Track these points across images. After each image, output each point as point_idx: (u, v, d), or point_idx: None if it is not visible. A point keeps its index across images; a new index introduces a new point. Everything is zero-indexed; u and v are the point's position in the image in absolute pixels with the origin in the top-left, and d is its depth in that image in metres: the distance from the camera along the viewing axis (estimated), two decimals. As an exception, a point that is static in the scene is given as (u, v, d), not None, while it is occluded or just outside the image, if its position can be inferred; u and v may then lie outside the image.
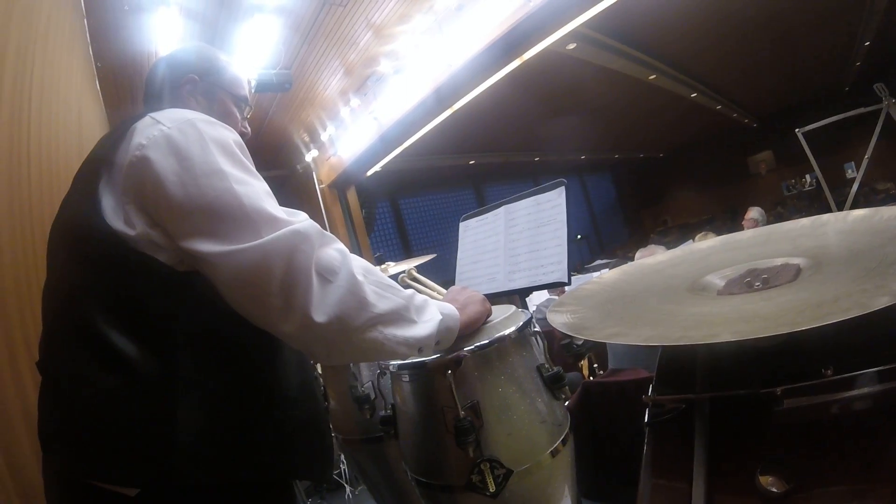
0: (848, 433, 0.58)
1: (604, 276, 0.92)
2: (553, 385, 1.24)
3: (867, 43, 11.25)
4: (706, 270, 0.82)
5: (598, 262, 6.02)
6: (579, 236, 15.13)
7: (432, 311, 1.07)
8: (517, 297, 2.09)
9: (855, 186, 2.31)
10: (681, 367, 0.70)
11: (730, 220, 13.60)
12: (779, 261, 0.76)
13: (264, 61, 5.38)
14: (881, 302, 0.46)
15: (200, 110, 1.01)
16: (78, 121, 2.60)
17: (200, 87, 1.17)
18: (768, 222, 5.54)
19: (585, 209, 17.63)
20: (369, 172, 8.92)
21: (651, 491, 0.63)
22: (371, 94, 7.01)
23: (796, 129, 2.48)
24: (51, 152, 1.94)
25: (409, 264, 2.34)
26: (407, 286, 1.84)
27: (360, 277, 0.91)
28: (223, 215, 0.84)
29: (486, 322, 1.27)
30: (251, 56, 5.24)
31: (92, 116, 3.20)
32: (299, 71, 6.16)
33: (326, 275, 0.87)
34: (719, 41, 8.87)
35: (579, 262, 9.47)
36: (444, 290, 1.64)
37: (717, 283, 0.76)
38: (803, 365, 0.59)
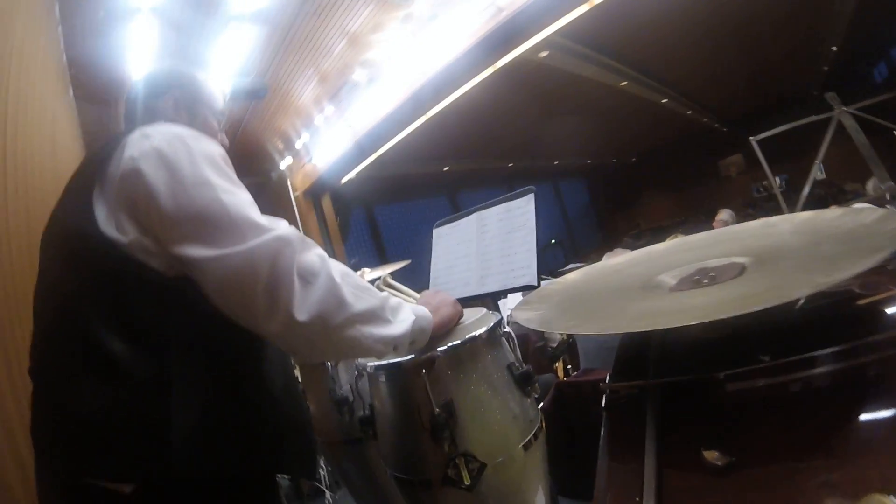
0: (782, 411, 0.64)
1: (567, 277, 0.97)
2: (523, 383, 1.28)
3: (834, 48, 11.54)
4: (661, 270, 0.88)
5: (572, 265, 6.10)
6: (553, 241, 15.24)
7: (406, 312, 1.12)
8: (489, 300, 2.15)
9: (806, 190, 2.40)
10: (636, 357, 0.75)
11: (702, 222, 13.79)
12: (725, 260, 0.82)
13: (240, 69, 5.39)
14: (800, 292, 0.52)
15: (183, 124, 1.06)
16: (52, 128, 2.60)
17: (182, 103, 1.23)
18: (738, 223, 5.66)
19: (559, 214, 17.74)
20: (344, 180, 8.90)
21: (607, 470, 0.68)
22: (345, 102, 7.03)
23: (750, 137, 2.56)
24: (26, 160, 1.95)
25: (384, 271, 2.37)
26: (382, 290, 1.88)
27: (338, 279, 0.96)
28: (211, 223, 0.89)
29: (458, 323, 1.32)
30: (227, 64, 5.24)
31: (66, 123, 3.19)
32: (274, 79, 6.16)
33: (307, 277, 0.92)
34: (689, 48, 9.04)
35: (553, 266, 9.55)
36: (417, 295, 1.69)
37: (668, 282, 0.82)
38: (745, 352, 0.65)
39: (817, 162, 2.44)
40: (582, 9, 5.47)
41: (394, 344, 1.07)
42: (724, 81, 11.83)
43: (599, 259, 4.32)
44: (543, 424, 1.31)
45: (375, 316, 1.03)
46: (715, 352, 0.59)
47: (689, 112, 13.83)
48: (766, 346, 0.64)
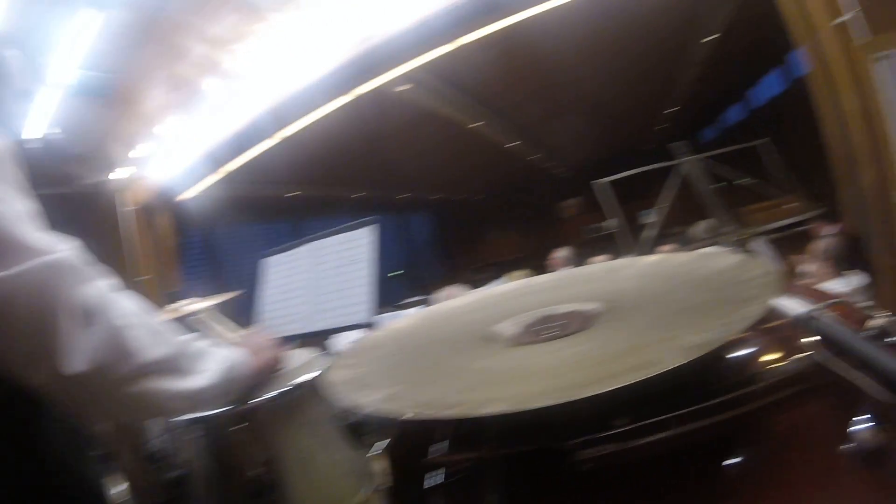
0: (640, 478, 0.56)
1: (396, 323, 0.85)
2: (354, 434, 1.17)
3: (676, 108, 13.04)
4: (502, 316, 0.77)
5: (413, 299, 6.13)
6: (398, 273, 15.46)
7: (213, 361, 0.95)
8: (322, 339, 1.99)
9: (649, 233, 2.54)
10: (474, 423, 0.64)
11: (542, 259, 14.57)
12: (572, 306, 0.74)
13: (84, 61, 4.77)
14: (669, 361, 0.43)
15: None
16: None
17: None
18: (576, 261, 6.03)
19: (404, 246, 18.04)
20: (184, 197, 8.26)
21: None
22: (196, 112, 6.53)
23: (590, 181, 2.71)
24: None
25: (208, 303, 2.10)
26: (198, 329, 1.66)
27: (123, 321, 0.80)
28: None
29: (281, 369, 1.19)
30: (70, 53, 4.62)
31: None
32: (122, 77, 5.57)
33: (84, 316, 0.75)
34: (542, 97, 9.64)
35: (398, 298, 9.56)
36: (239, 334, 1.52)
37: (510, 332, 0.72)
38: (600, 416, 0.56)
39: (660, 206, 2.60)
40: (446, 48, 5.60)
41: (196, 400, 0.91)
42: (569, 131, 12.77)
43: (442, 292, 4.33)
44: (379, 476, 1.21)
45: (172, 366, 0.86)
46: (564, 417, 0.48)
47: (535, 157, 14.73)
48: (623, 407, 0.55)
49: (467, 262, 18.98)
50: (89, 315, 0.76)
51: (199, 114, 6.47)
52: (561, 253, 6.19)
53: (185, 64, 5.70)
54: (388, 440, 0.89)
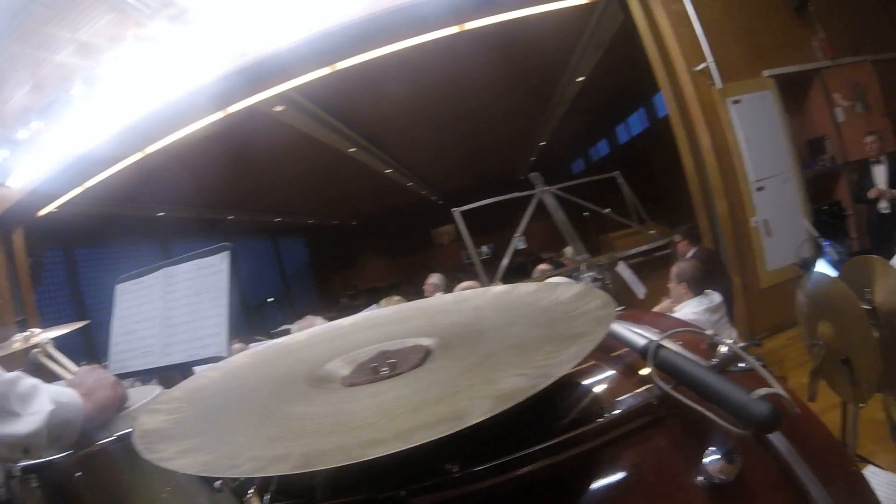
0: None
1: (233, 361, 0.78)
2: (209, 479, 1.09)
3: (542, 143, 13.77)
4: (340, 351, 0.72)
5: (285, 326, 5.91)
6: (270, 299, 14.96)
7: (42, 401, 0.87)
8: (178, 373, 1.83)
9: (505, 261, 2.61)
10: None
11: (415, 285, 14.74)
12: (410, 341, 0.70)
13: None
14: (478, 412, 0.40)
15: None
16: None
17: None
18: (448, 287, 6.10)
19: (277, 271, 17.51)
20: (42, 212, 7.40)
21: None
22: (58, 118, 5.89)
23: (452, 209, 2.76)
24: None
25: (53, 333, 1.85)
26: (37, 364, 1.47)
27: None
28: None
29: (124, 408, 1.10)
30: None
31: None
32: None
33: None
34: (417, 126, 9.80)
35: (271, 326, 9.24)
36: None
37: (341, 371, 0.67)
38: (430, 460, 0.52)
39: (517, 234, 2.69)
40: (323, 71, 5.58)
41: (23, 445, 0.84)
42: (443, 160, 13.12)
43: (299, 321, 4.20)
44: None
45: None
46: (394, 462, 0.44)
47: (410, 184, 14.96)
48: (457, 451, 0.52)
49: (342, 288, 18.76)
50: None
51: (64, 121, 5.87)
52: (433, 279, 6.23)
53: (52, 64, 5.19)
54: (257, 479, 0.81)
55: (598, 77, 8.98)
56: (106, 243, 10.70)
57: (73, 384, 1.05)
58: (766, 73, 5.32)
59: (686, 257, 4.70)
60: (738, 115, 5.17)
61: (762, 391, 0.49)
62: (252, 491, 1.12)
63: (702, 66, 5.03)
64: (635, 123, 13.58)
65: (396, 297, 4.87)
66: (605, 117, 13.76)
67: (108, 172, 6.90)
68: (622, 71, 8.24)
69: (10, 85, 5.43)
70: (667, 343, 0.62)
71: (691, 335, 0.72)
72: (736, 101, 5.16)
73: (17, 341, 1.99)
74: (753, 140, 5.20)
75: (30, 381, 0.89)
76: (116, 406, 1.08)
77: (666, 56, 5.22)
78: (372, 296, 13.51)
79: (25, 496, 1.03)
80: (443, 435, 0.38)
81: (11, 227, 7.11)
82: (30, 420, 0.84)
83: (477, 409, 0.41)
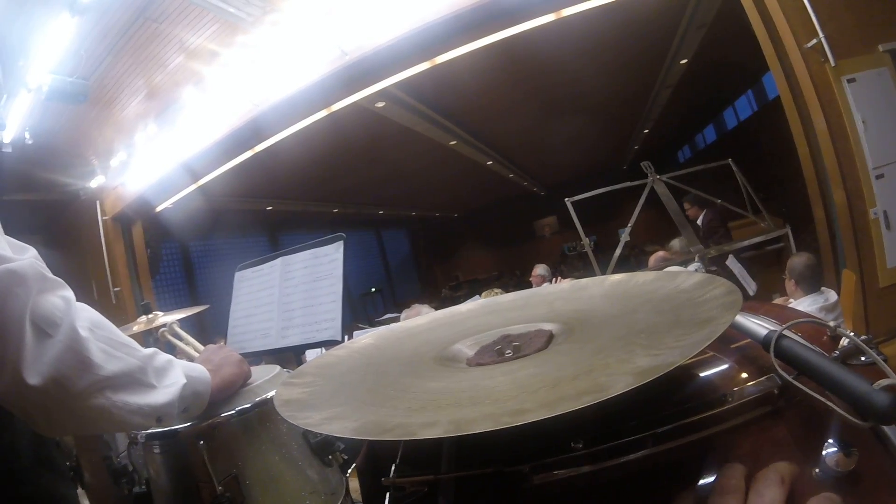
0: (596, 503, 0.54)
1: (357, 341, 0.82)
2: (322, 451, 1.17)
3: (646, 131, 13.28)
4: (462, 335, 0.75)
5: (389, 315, 6.10)
6: (374, 289, 15.41)
7: (176, 375, 0.94)
8: (292, 354, 1.95)
9: (617, 252, 2.55)
10: (426, 444, 0.62)
11: (517, 277, 14.75)
12: (532, 326, 0.72)
13: (60, 66, 4.69)
14: (619, 385, 0.41)
15: None
16: None
17: None
18: (552, 278, 6.10)
19: (381, 262, 18.01)
20: (159, 208, 8.10)
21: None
22: (172, 122, 6.43)
23: (565, 199, 2.71)
24: None
25: (177, 315, 2.07)
26: (166, 342, 1.62)
27: (84, 333, 0.79)
28: None
29: (245, 385, 1.17)
30: (46, 57, 4.55)
31: None
32: (98, 84, 5.45)
33: (44, 327, 0.75)
34: (516, 118, 9.75)
35: (373, 314, 9.54)
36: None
37: (466, 352, 0.70)
38: (555, 438, 0.54)
39: (629, 224, 2.63)
40: (423, 66, 5.64)
41: (157, 415, 0.89)
42: (544, 151, 12.94)
43: (408, 309, 4.29)
44: (349, 494, 1.19)
45: (133, 380, 0.86)
46: (520, 438, 0.46)
47: (511, 175, 14.87)
48: (580, 429, 0.53)
49: (444, 279, 19.02)
50: (51, 325, 0.75)
51: (177, 124, 6.40)
52: (539, 270, 6.26)
53: (164, 73, 5.65)
54: (358, 458, 0.86)
55: (702, 59, 8.53)
56: (217, 236, 11.47)
57: (201, 360, 1.13)
58: (882, 47, 4.75)
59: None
60: (854, 95, 4.68)
61: (884, 381, 0.48)
62: (353, 468, 1.20)
63: (813, 42, 4.58)
64: (743, 107, 12.79)
65: (497, 290, 4.90)
66: (711, 101, 13.08)
67: (221, 170, 7.41)
68: (727, 51, 7.75)
69: (126, 93, 5.96)
70: (788, 333, 0.60)
71: (812, 326, 0.70)
72: (851, 80, 4.66)
73: (141, 322, 2.23)
74: (871, 122, 4.66)
75: (165, 356, 0.95)
76: (241, 382, 1.15)
77: (773, 32, 4.78)
78: (473, 286, 13.62)
79: (149, 460, 1.15)
80: (587, 405, 0.39)
81: (130, 221, 7.85)
82: (165, 392, 0.90)
83: (617, 383, 0.42)
